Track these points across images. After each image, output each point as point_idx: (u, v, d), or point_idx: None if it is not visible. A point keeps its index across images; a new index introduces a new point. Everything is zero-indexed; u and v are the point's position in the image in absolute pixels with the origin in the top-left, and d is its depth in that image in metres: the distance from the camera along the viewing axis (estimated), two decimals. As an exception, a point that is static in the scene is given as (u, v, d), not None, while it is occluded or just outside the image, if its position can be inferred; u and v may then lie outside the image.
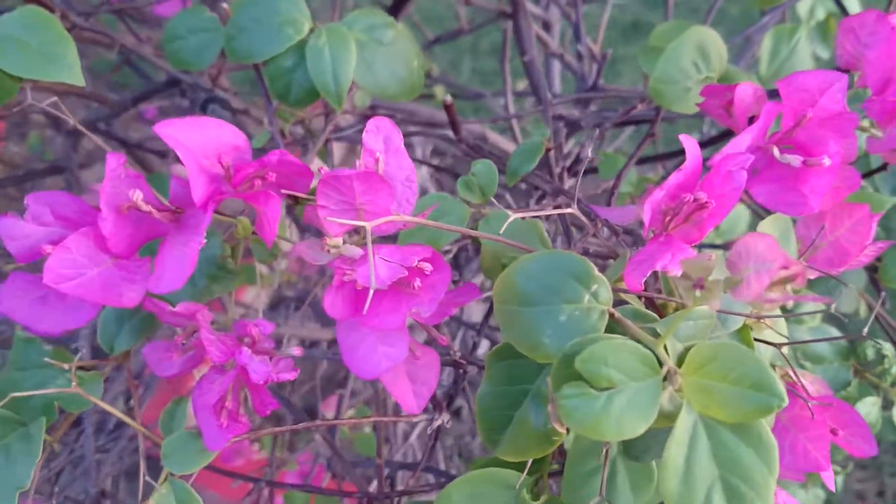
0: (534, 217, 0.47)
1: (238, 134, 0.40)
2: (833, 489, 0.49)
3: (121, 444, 0.71)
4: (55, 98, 0.46)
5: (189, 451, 0.42)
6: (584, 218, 0.40)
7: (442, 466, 1.11)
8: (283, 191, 0.40)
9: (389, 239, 0.44)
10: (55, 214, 0.38)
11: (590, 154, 0.65)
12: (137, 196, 0.38)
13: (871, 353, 0.63)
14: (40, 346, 0.48)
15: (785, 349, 0.44)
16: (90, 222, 0.39)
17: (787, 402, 0.31)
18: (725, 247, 0.74)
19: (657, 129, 0.60)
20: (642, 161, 0.78)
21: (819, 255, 0.50)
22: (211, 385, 0.42)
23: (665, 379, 0.33)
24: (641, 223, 0.42)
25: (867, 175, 0.56)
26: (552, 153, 0.60)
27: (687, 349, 0.35)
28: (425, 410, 0.46)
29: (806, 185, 0.43)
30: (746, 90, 0.46)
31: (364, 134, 0.41)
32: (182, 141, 0.37)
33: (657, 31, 0.59)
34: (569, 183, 0.65)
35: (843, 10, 0.71)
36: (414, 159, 0.45)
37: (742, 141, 0.42)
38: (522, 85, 1.18)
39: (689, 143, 0.40)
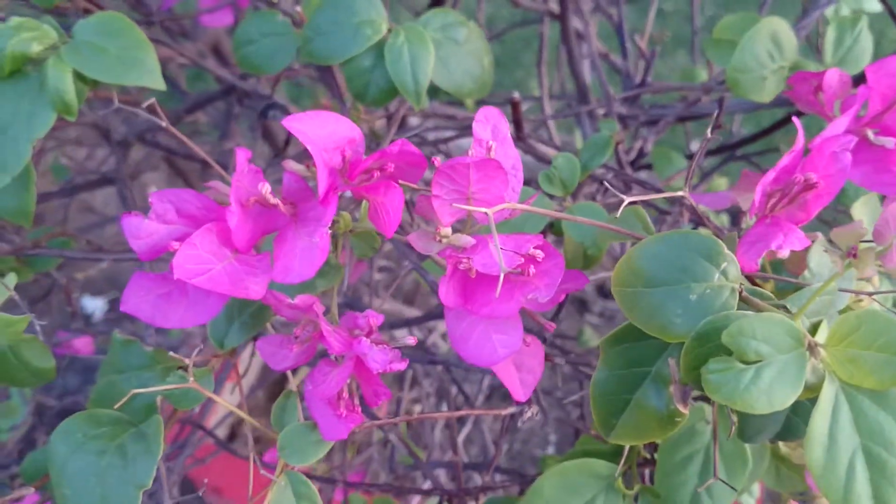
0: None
1: (353, 127, 0.40)
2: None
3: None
4: (153, 100, 0.46)
5: (305, 442, 0.43)
6: (693, 203, 0.41)
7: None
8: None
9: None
10: (178, 212, 0.39)
11: (649, 147, 0.66)
12: (266, 189, 0.38)
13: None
14: (140, 347, 0.48)
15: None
16: (212, 218, 0.39)
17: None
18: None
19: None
20: (692, 157, 0.79)
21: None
22: (325, 377, 0.43)
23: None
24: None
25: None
26: (620, 147, 0.60)
27: (815, 325, 0.36)
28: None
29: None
30: (833, 76, 0.47)
31: (474, 124, 0.41)
32: (309, 135, 0.38)
33: (722, 24, 0.60)
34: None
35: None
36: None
37: (840, 124, 0.43)
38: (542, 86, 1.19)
39: (799, 124, 0.41)
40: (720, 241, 0.36)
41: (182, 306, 0.39)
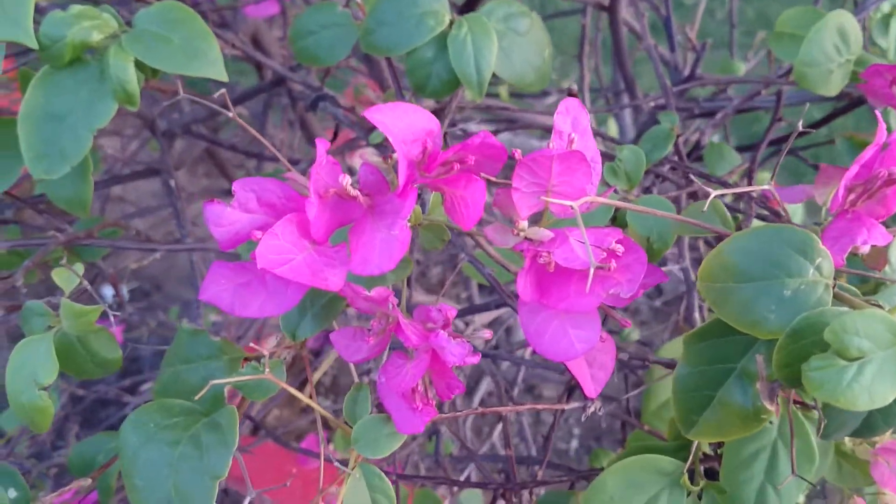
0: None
1: (432, 119, 0.40)
2: None
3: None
4: (223, 91, 0.46)
5: (379, 435, 0.42)
6: (778, 197, 0.40)
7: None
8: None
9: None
10: (260, 201, 0.39)
11: (706, 140, 0.66)
12: (346, 181, 0.38)
13: None
14: (207, 338, 0.48)
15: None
16: (294, 209, 0.39)
17: None
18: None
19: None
20: (741, 149, 0.78)
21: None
22: (398, 370, 0.42)
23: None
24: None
25: None
26: (680, 139, 0.60)
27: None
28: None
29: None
30: (912, 69, 0.46)
31: (555, 116, 0.41)
32: (390, 126, 0.38)
33: (783, 17, 0.60)
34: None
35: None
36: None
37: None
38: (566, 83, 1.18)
39: (881, 118, 0.40)
40: (814, 236, 0.36)
41: (261, 296, 0.39)
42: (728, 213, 0.44)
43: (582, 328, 0.41)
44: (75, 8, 0.53)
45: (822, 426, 0.41)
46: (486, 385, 1.38)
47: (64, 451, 1.09)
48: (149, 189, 1.71)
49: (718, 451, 0.54)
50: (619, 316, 0.44)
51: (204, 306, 0.99)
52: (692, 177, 0.55)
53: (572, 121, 0.42)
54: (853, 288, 0.38)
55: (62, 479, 1.07)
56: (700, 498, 0.50)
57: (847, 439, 0.54)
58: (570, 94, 0.60)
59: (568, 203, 0.38)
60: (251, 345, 0.41)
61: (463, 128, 0.75)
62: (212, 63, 0.53)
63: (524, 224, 0.41)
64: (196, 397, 0.39)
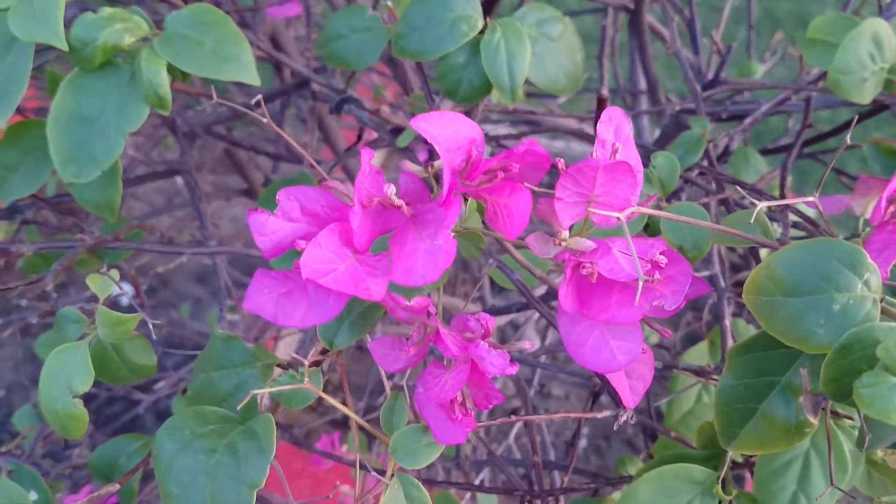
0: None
1: (475, 127, 0.40)
2: None
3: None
4: (259, 96, 0.46)
5: (418, 445, 0.42)
6: (822, 209, 0.40)
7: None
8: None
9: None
10: (303, 210, 0.38)
11: (735, 146, 0.65)
12: (391, 191, 0.37)
13: None
14: (241, 344, 0.48)
15: None
16: (336, 218, 0.39)
17: None
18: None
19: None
20: (765, 152, 0.78)
21: None
22: (437, 380, 0.42)
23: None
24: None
25: None
26: (711, 145, 0.59)
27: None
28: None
29: None
30: (953, 79, 0.46)
31: (598, 125, 0.41)
32: (435, 135, 0.37)
33: (815, 24, 0.59)
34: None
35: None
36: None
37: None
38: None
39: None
40: (863, 250, 0.35)
41: (303, 306, 0.39)
42: (769, 224, 0.44)
43: (624, 339, 0.41)
44: (106, 10, 0.53)
45: (867, 439, 0.40)
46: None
47: (77, 451, 1.09)
48: (155, 186, 1.71)
49: (749, 460, 0.54)
50: (659, 327, 0.44)
51: (218, 305, 0.98)
52: (737, 187, 0.55)
53: (615, 130, 0.41)
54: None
55: (77, 478, 1.07)
56: (732, 507, 0.50)
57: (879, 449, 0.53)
58: (601, 99, 0.60)
59: (614, 214, 0.38)
60: (293, 355, 0.41)
61: (485, 132, 0.75)
62: (244, 67, 0.53)
63: (566, 234, 0.41)
64: (238, 407, 0.39)
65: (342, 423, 1.34)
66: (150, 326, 0.46)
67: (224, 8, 0.75)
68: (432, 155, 0.64)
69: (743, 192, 0.46)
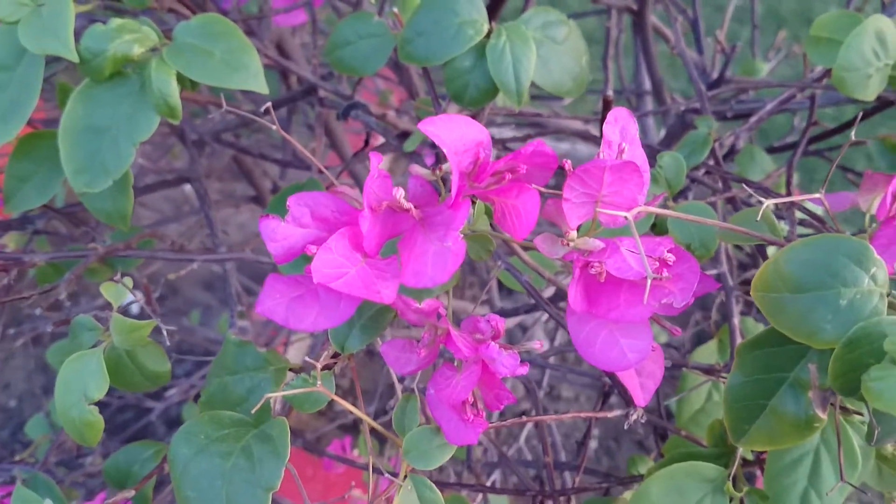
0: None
1: (482, 130, 0.40)
2: None
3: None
4: (269, 104, 0.46)
5: (430, 446, 0.43)
6: (827, 205, 0.40)
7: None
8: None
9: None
10: (314, 215, 0.39)
11: (741, 144, 0.66)
12: (400, 194, 0.38)
13: None
14: (253, 348, 0.48)
15: None
16: (346, 222, 0.39)
17: None
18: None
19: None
20: (771, 150, 0.78)
21: None
22: (448, 381, 0.42)
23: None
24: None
25: None
26: (717, 144, 0.60)
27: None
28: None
29: None
30: (957, 74, 0.46)
31: (604, 126, 0.41)
32: (443, 138, 0.38)
33: (818, 22, 0.60)
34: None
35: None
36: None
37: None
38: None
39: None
40: (869, 245, 0.36)
41: (314, 310, 0.39)
42: (776, 222, 0.44)
43: (634, 338, 0.41)
44: (116, 21, 0.54)
45: (876, 433, 0.41)
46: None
47: (90, 459, 1.09)
48: (163, 194, 1.72)
49: (759, 457, 0.54)
50: (668, 325, 0.44)
51: (228, 311, 0.99)
52: (743, 185, 0.55)
53: (621, 130, 0.42)
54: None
55: (91, 486, 1.08)
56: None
57: (889, 443, 0.54)
58: (606, 101, 0.60)
59: (622, 214, 0.38)
60: (307, 358, 0.42)
61: (491, 134, 0.75)
62: (253, 75, 0.54)
63: (574, 234, 0.42)
64: (253, 410, 0.40)
65: (352, 428, 1.34)
66: (164, 333, 0.47)
67: (231, 17, 0.76)
68: (439, 159, 0.64)
69: (749, 191, 0.46)
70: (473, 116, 0.68)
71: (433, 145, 0.70)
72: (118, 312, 0.46)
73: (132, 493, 0.53)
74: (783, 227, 0.49)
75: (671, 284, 0.40)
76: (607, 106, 0.61)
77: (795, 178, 0.93)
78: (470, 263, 1.52)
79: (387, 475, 0.43)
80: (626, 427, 0.53)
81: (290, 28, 0.99)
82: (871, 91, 0.54)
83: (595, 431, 1.54)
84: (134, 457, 0.59)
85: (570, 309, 0.42)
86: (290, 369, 0.48)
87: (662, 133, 0.97)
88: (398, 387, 0.50)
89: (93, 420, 0.45)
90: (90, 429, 0.46)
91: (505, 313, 0.72)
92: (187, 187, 1.43)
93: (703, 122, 0.58)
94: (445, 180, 0.42)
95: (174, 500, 0.45)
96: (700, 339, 1.37)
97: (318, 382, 0.41)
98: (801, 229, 0.50)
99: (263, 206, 1.00)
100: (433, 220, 0.40)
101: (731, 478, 0.49)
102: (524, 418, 0.49)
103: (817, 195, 0.40)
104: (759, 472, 0.55)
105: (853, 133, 0.41)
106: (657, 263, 0.39)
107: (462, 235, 0.39)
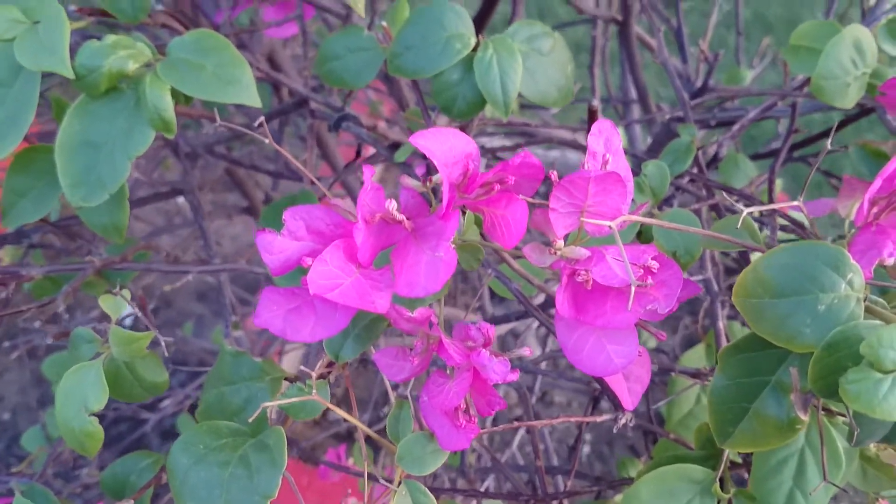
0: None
1: (470, 142, 0.41)
2: None
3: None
4: (262, 118, 0.47)
5: (423, 452, 0.43)
6: (806, 212, 0.41)
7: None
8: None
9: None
10: (309, 228, 0.40)
11: (724, 152, 0.67)
12: (393, 206, 0.39)
13: None
14: (250, 359, 0.49)
15: None
16: (340, 235, 0.40)
17: None
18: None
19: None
20: (755, 157, 0.79)
21: None
22: (440, 388, 0.43)
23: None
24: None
25: None
26: (700, 152, 0.61)
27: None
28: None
29: None
30: (930, 83, 0.48)
31: (589, 137, 0.42)
32: (433, 150, 0.39)
33: (798, 31, 0.61)
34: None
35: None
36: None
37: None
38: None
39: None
40: (846, 252, 0.37)
41: (311, 321, 0.40)
42: (757, 228, 0.45)
43: (620, 343, 0.42)
44: (111, 37, 0.55)
45: (855, 434, 0.42)
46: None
47: (86, 471, 1.10)
48: (156, 206, 1.72)
49: (746, 459, 0.55)
50: (654, 330, 0.45)
51: (223, 322, 1.00)
52: (723, 193, 0.56)
53: (605, 141, 0.43)
54: (882, 301, 0.39)
55: (88, 497, 1.08)
56: (731, 505, 0.51)
57: (872, 444, 0.55)
58: (591, 110, 0.62)
59: (606, 223, 0.39)
60: (302, 367, 0.42)
61: (481, 144, 0.76)
62: (245, 89, 0.54)
63: (560, 243, 0.43)
64: (249, 420, 0.41)
65: (347, 437, 1.35)
66: (163, 344, 0.48)
67: (223, 31, 0.77)
68: (429, 169, 0.65)
69: (730, 199, 0.48)
70: (462, 128, 0.70)
71: (423, 156, 0.71)
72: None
73: (130, 502, 0.53)
74: (765, 233, 0.51)
75: (655, 291, 0.41)
76: (593, 116, 0.62)
77: (783, 184, 0.95)
78: (462, 272, 1.53)
79: (382, 482, 0.44)
80: (615, 430, 0.54)
81: (281, 40, 1.00)
82: (849, 99, 0.55)
83: (588, 437, 1.55)
84: (131, 467, 0.59)
85: (558, 316, 0.43)
86: (286, 378, 0.49)
87: (649, 141, 0.99)
88: (392, 394, 0.51)
89: (93, 430, 0.46)
90: (91, 439, 0.47)
91: (496, 320, 0.73)
92: (179, 199, 1.44)
93: (686, 131, 0.59)
94: (436, 191, 0.43)
95: (172, 509, 0.46)
96: (689, 343, 1.39)
97: (314, 391, 0.42)
98: (782, 235, 0.52)
99: (256, 217, 1.01)
100: (425, 231, 0.42)
101: (718, 480, 0.51)
102: (516, 424, 0.50)
103: (796, 202, 0.41)
104: (747, 475, 0.56)
105: (829, 142, 0.43)
106: (641, 271, 0.40)
107: (453, 245, 0.40)
